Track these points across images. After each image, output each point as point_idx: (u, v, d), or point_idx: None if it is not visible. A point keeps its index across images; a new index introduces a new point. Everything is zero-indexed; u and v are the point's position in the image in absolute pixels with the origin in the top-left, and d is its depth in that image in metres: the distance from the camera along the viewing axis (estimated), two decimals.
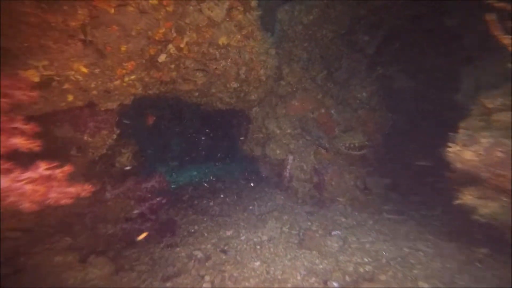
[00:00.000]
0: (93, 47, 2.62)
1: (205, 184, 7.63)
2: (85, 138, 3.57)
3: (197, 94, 5.63)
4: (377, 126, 5.58)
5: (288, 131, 5.60)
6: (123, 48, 2.83)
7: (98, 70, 2.92)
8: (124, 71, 3.36)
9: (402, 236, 4.69)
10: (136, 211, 4.79)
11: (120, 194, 4.44)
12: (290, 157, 5.45)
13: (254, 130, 6.49)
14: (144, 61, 3.71)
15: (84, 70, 2.74)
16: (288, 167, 5.45)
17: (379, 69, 5.78)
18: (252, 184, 7.42)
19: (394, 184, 5.66)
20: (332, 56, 5.78)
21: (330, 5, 5.43)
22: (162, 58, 4.03)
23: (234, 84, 5.59)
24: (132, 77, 3.69)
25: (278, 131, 5.73)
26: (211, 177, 8.16)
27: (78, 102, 3.04)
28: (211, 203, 6.61)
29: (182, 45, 4.07)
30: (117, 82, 3.44)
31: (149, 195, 4.97)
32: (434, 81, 5.78)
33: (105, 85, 3.27)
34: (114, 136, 4.30)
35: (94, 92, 3.18)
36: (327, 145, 5.31)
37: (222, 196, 6.94)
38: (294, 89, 5.79)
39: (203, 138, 8.99)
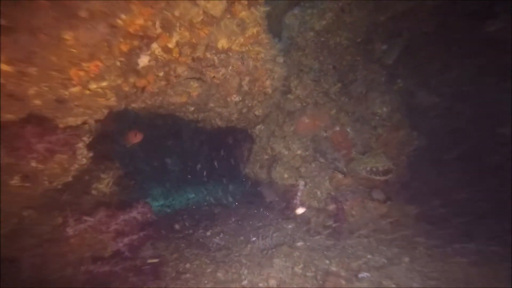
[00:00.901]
0: (14, 34, 1.60)
1: (203, 210, 6.48)
2: (33, 164, 2.48)
3: (192, 109, 4.60)
4: (401, 147, 4.51)
5: (298, 152, 4.51)
6: (67, 37, 1.81)
7: (35, 69, 1.89)
8: (84, 74, 2.31)
9: (462, 281, 3.40)
10: (110, 249, 3.64)
11: (88, 229, 3.32)
12: (301, 183, 4.34)
13: (258, 150, 5.40)
14: (118, 62, 2.68)
15: (6, 67, 1.71)
16: (299, 193, 4.33)
17: (400, 82, 4.78)
18: (255, 211, 6.27)
19: (423, 212, 4.51)
20: (346, 67, 4.79)
21: (345, 10, 4.48)
22: (144, 61, 3.01)
23: (236, 98, 4.57)
24: (103, 84, 2.64)
25: (286, 152, 4.65)
26: (209, 202, 7.01)
27: (7, 115, 1.99)
28: (208, 233, 5.43)
29: (170, 46, 3.04)
30: (76, 89, 2.38)
31: (130, 229, 3.84)
32: (464, 96, 4.75)
33: (55, 92, 2.21)
34: (84, 161, 3.22)
35: (37, 101, 2.13)
36: (344, 169, 4.22)
37: (221, 224, 5.77)
38: (304, 104, 4.75)
39: (201, 159, 7.92)
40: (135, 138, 4.21)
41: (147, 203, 4.00)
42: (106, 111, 3.10)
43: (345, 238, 4.56)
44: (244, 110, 4.77)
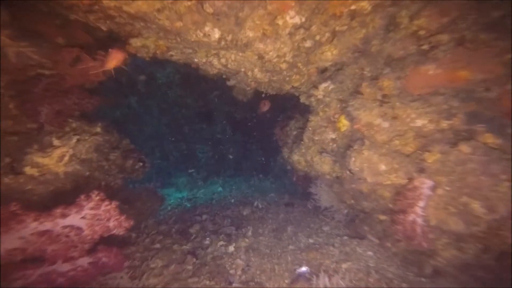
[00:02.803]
0: None
1: (227, 210, 4.16)
2: None
3: (217, 36, 2.25)
4: None
5: (419, 123, 1.94)
6: None
7: None
8: None
9: None
10: None
11: None
12: (428, 182, 1.78)
13: (317, 126, 2.91)
14: None
15: None
16: (421, 203, 1.77)
17: None
18: (301, 218, 3.78)
19: None
20: None
21: None
22: None
23: (294, 17, 2.14)
24: None
25: (385, 125, 2.10)
26: (238, 199, 4.65)
27: None
28: (231, 248, 3.04)
29: None
30: None
31: (55, 251, 1.58)
32: None
33: None
34: None
35: None
36: None
37: (250, 233, 3.35)
38: (428, 46, 2.15)
39: (232, 138, 5.56)
40: (115, 57, 1.93)
41: (111, 195, 1.71)
42: None
43: None
44: (307, 45, 2.32)
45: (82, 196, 1.57)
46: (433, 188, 1.79)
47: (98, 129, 2.68)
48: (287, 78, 2.83)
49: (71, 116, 2.48)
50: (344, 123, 2.52)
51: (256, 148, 5.48)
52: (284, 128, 3.81)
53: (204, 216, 4.07)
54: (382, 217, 2.51)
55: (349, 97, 2.52)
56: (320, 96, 2.79)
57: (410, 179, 1.93)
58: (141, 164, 3.96)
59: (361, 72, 2.56)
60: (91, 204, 1.54)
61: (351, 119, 2.41)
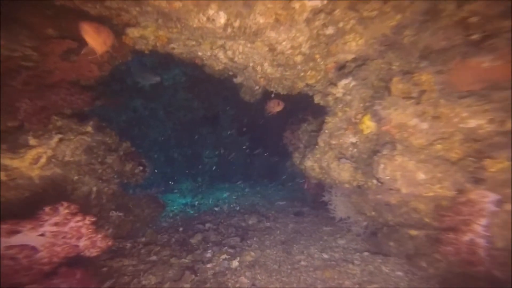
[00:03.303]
0: None
1: (232, 218, 3.72)
2: None
3: (222, 21, 1.86)
4: None
5: (473, 123, 1.50)
6: None
7: None
8: None
9: None
10: None
11: None
12: (491, 196, 1.35)
13: (335, 128, 2.49)
14: None
15: None
16: (484, 221, 1.33)
17: None
18: (312, 229, 3.31)
19: None
20: None
21: None
22: None
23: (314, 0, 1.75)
24: None
25: (423, 126, 1.67)
26: (245, 206, 4.22)
27: None
28: (235, 263, 2.59)
29: None
30: None
31: None
32: None
33: None
34: None
35: None
36: None
37: (255, 246, 2.89)
38: (481, 35, 1.72)
39: (239, 142, 5.17)
40: (94, 34, 1.54)
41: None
42: None
43: None
44: (328, 32, 1.91)
45: (47, 209, 1.18)
46: (499, 203, 1.34)
47: (89, 129, 2.30)
48: (301, 74, 2.43)
49: (58, 113, 2.11)
50: (368, 125, 2.09)
51: (265, 152, 5.06)
52: (296, 131, 3.40)
53: (207, 225, 3.64)
54: (414, 233, 2.06)
55: (375, 94, 2.10)
56: (339, 95, 2.37)
57: (461, 191, 1.49)
58: (141, 168, 3.60)
59: (388, 67, 2.15)
60: (56, 219, 1.15)
61: (378, 119, 1.99)
